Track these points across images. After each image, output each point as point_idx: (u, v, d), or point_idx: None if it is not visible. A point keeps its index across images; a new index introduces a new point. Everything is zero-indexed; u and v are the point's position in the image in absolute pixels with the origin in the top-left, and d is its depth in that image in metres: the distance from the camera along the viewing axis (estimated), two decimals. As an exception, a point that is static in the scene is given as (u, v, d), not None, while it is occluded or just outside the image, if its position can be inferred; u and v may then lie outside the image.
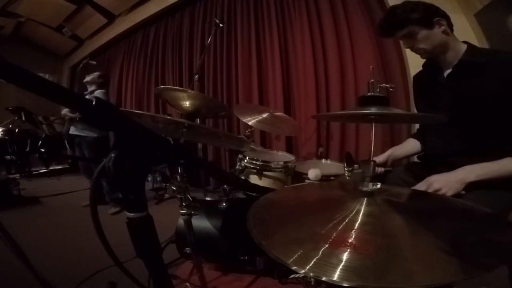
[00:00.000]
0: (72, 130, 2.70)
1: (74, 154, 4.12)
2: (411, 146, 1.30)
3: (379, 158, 1.25)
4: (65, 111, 2.75)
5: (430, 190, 0.87)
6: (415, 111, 1.27)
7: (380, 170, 1.23)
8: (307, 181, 1.59)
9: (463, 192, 0.86)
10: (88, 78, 2.68)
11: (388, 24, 1.04)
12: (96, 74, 2.70)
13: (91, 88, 2.69)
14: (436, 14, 0.98)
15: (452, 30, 1.02)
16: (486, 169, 0.87)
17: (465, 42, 1.02)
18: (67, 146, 4.00)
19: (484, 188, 0.86)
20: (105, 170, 0.47)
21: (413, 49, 1.05)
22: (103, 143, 2.68)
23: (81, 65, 2.74)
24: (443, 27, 0.98)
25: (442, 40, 0.99)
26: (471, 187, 0.86)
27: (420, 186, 0.91)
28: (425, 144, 1.22)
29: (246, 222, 0.58)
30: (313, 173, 1.46)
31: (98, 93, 2.62)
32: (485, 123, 0.94)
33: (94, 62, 2.81)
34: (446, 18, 1.00)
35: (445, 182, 0.87)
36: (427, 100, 1.15)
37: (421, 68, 1.19)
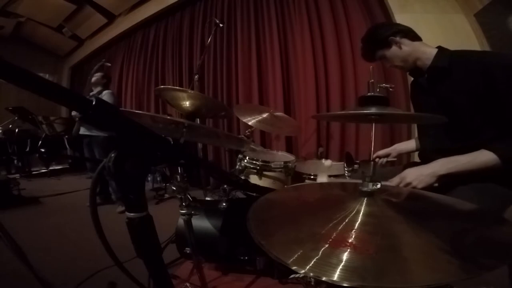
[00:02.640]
0: (82, 131, 2.71)
1: (74, 154, 4.15)
2: (415, 143, 1.35)
3: (382, 152, 1.32)
4: (75, 112, 2.76)
5: (402, 184, 0.90)
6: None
7: (382, 160, 1.29)
8: (307, 181, 1.59)
9: (436, 184, 0.88)
10: (92, 80, 2.69)
11: (364, 55, 1.19)
12: (99, 74, 2.71)
13: (96, 89, 2.70)
14: (388, 33, 1.07)
15: (417, 39, 1.08)
16: (456, 162, 0.89)
17: (438, 47, 1.06)
18: (67, 146, 4.02)
19: (463, 182, 0.89)
20: (105, 170, 0.47)
21: (393, 67, 1.15)
22: (113, 143, 2.68)
23: (96, 67, 2.74)
24: (398, 44, 1.06)
25: (404, 54, 1.07)
26: (445, 180, 0.89)
27: (394, 180, 0.94)
28: (420, 144, 1.27)
29: (246, 222, 0.58)
30: (327, 162, 1.77)
31: (106, 93, 2.64)
32: (465, 122, 0.97)
33: (109, 64, 2.81)
34: (402, 31, 1.07)
35: (416, 176, 0.89)
36: (419, 103, 1.21)
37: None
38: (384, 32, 1.08)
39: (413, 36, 1.09)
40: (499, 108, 0.88)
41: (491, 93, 0.87)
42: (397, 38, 1.06)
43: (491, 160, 0.85)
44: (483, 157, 0.87)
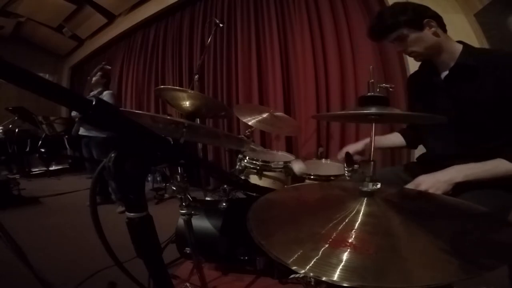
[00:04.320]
0: (82, 131, 2.73)
1: (74, 154, 4.15)
2: (391, 139, 1.29)
3: (357, 146, 1.23)
4: (75, 112, 2.78)
5: None
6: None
7: (357, 158, 1.18)
8: (307, 181, 1.59)
9: (451, 192, 0.85)
10: (92, 80, 2.70)
11: (377, 28, 1.02)
12: (98, 75, 2.72)
13: (97, 89, 2.71)
14: (425, 15, 0.96)
15: (445, 30, 1.00)
16: (475, 169, 0.86)
17: (460, 42, 1.00)
18: (67, 146, 4.02)
19: (476, 188, 0.86)
20: (105, 170, 0.47)
21: (405, 53, 1.03)
22: (111, 144, 2.70)
23: (95, 70, 2.75)
24: (433, 29, 0.96)
25: (433, 42, 0.97)
26: (461, 187, 0.86)
27: (409, 186, 0.90)
28: (424, 145, 1.21)
29: (246, 222, 0.58)
30: (296, 165, 1.54)
31: (106, 94, 2.65)
32: (482, 126, 0.94)
33: (109, 67, 2.82)
34: (437, 18, 0.98)
35: (432, 183, 0.86)
36: (424, 102, 1.14)
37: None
38: (422, 12, 0.96)
39: (445, 27, 0.99)
40: None
41: None
42: (434, 23, 0.95)
43: None
44: (503, 166, 0.84)
